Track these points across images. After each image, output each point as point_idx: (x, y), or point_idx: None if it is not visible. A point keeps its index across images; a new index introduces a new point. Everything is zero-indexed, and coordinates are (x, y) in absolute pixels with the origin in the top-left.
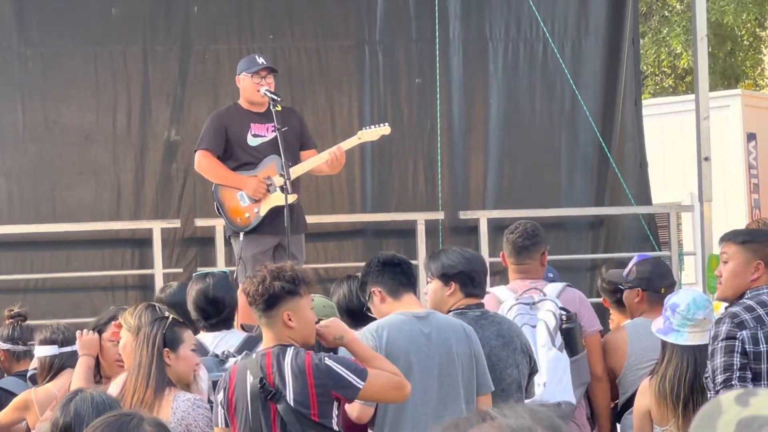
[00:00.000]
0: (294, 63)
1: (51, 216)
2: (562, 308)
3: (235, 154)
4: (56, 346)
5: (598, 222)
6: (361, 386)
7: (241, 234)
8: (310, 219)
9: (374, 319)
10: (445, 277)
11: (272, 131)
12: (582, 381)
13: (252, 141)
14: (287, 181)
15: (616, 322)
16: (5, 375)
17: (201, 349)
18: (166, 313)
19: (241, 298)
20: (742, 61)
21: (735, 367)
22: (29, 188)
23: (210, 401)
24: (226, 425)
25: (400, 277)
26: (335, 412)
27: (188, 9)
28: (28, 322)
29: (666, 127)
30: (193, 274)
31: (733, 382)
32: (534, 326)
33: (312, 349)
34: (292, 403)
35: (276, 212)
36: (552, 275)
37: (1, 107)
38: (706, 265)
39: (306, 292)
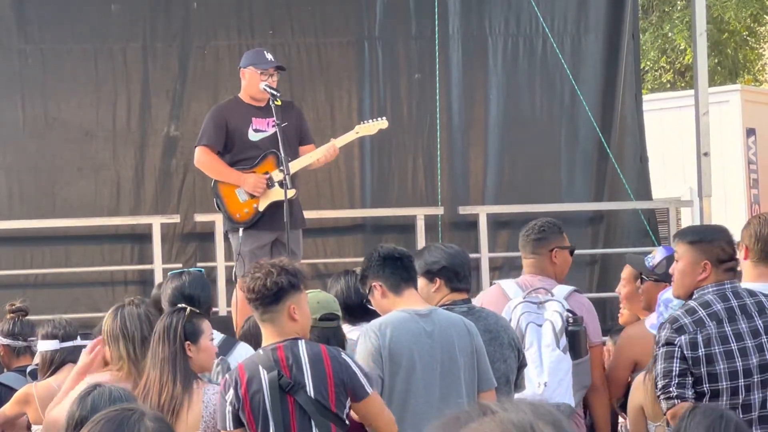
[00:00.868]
0: (294, 59)
1: (51, 212)
2: (569, 310)
3: (234, 149)
4: (57, 340)
5: (597, 217)
6: (369, 392)
7: (240, 230)
8: (310, 214)
9: (374, 312)
10: (430, 274)
11: (273, 126)
12: (583, 385)
13: (253, 136)
14: (287, 177)
15: (626, 316)
16: (5, 370)
17: None
18: (183, 305)
19: (239, 295)
20: (744, 57)
21: (673, 373)
22: (29, 184)
23: None
24: (235, 426)
25: (401, 272)
26: (348, 405)
27: (188, 5)
28: (28, 317)
29: (666, 122)
30: (169, 273)
31: (671, 389)
32: (540, 325)
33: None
34: (312, 394)
35: (274, 208)
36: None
37: (1, 103)
38: None
39: (306, 286)
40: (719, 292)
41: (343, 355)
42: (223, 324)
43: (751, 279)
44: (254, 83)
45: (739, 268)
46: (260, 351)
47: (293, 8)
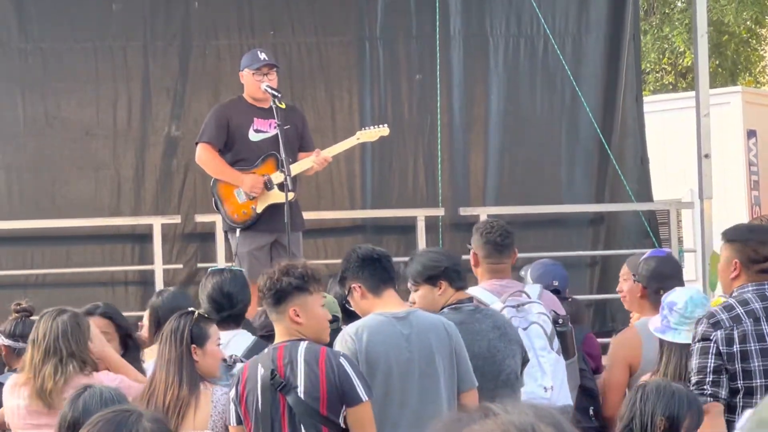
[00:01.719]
0: (294, 58)
1: (51, 211)
2: (554, 311)
3: (234, 148)
4: None
5: (598, 218)
6: (364, 399)
7: (238, 230)
8: (310, 215)
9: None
10: (432, 279)
11: (274, 127)
12: (575, 384)
13: (253, 136)
14: (287, 178)
15: (636, 317)
16: (6, 370)
17: None
18: (191, 309)
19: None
20: (745, 58)
21: (708, 369)
22: (29, 183)
23: None
24: (239, 422)
25: (380, 273)
26: (343, 409)
27: (189, 4)
28: (32, 317)
29: (666, 123)
30: (210, 269)
31: (705, 386)
32: (525, 329)
33: (327, 346)
34: (302, 396)
35: (273, 209)
36: (557, 282)
37: (1, 102)
38: (708, 261)
39: (317, 289)
40: (758, 291)
41: (341, 359)
42: (248, 326)
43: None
44: (251, 85)
45: None
46: (266, 350)
47: (294, 7)
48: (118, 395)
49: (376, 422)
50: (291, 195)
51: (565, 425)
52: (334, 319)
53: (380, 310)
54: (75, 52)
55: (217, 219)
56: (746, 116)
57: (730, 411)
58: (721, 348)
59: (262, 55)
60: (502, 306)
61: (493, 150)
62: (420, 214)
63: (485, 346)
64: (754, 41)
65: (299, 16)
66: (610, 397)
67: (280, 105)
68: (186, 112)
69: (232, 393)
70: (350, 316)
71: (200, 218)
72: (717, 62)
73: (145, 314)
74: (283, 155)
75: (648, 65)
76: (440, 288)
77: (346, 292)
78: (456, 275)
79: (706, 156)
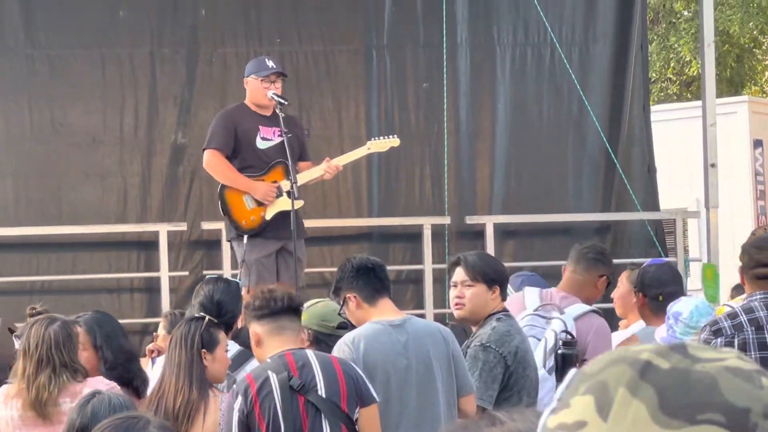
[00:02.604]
0: (301, 67)
1: (57, 218)
2: (567, 332)
3: (242, 155)
4: None
5: (604, 227)
6: (377, 400)
7: (245, 237)
8: (317, 223)
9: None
10: (492, 281)
11: (278, 135)
12: None
13: (260, 144)
14: (293, 185)
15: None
16: None
17: None
18: (202, 313)
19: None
20: (749, 68)
21: None
22: (35, 190)
23: None
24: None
25: (375, 282)
26: (357, 409)
27: (196, 12)
28: None
29: (673, 133)
30: (207, 276)
31: None
32: (540, 340)
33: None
34: (324, 394)
35: (280, 217)
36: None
37: (8, 108)
38: (702, 274)
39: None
40: (766, 300)
41: (350, 362)
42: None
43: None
44: (257, 92)
45: None
46: (268, 360)
47: (301, 16)
48: (126, 402)
49: None
50: (300, 203)
51: None
52: (343, 326)
53: (376, 318)
54: (82, 59)
55: (224, 226)
56: (753, 126)
57: None
58: None
59: (270, 63)
60: (529, 313)
61: (499, 158)
62: (426, 223)
63: (521, 356)
64: (759, 51)
65: (306, 25)
66: None
67: (282, 114)
68: (193, 119)
69: (239, 403)
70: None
71: (206, 226)
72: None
73: (161, 323)
74: (290, 162)
75: (653, 74)
76: (494, 292)
77: (341, 303)
78: (506, 286)
79: (713, 165)
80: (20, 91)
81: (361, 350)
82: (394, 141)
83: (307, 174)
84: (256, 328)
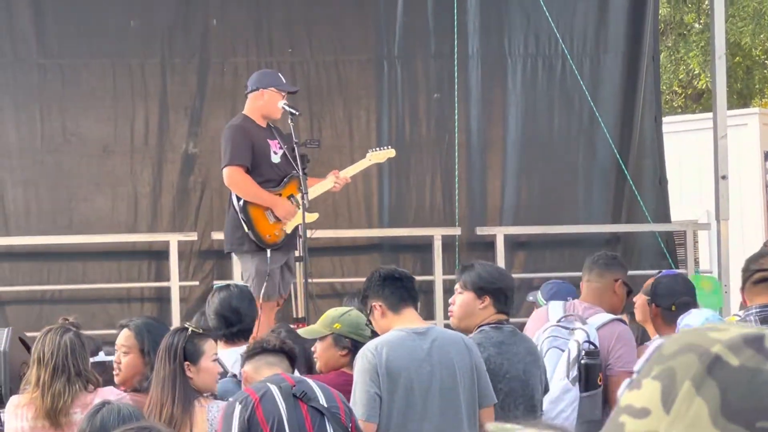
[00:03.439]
0: (312, 77)
1: (68, 227)
2: (590, 342)
3: (259, 169)
4: None
5: (615, 239)
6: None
7: (269, 251)
8: (327, 233)
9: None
10: (482, 291)
11: (279, 148)
12: (589, 418)
13: (274, 158)
14: (305, 196)
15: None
16: None
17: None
18: (186, 324)
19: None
20: (759, 80)
21: None
22: (46, 199)
23: None
24: None
25: (401, 291)
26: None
27: (207, 22)
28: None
29: (683, 144)
30: (214, 285)
31: None
32: (563, 350)
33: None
34: (324, 404)
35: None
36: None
37: (19, 118)
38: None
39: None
40: (761, 314)
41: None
42: None
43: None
44: (273, 104)
45: None
46: (264, 378)
47: (312, 26)
48: (136, 412)
49: None
50: (315, 216)
51: None
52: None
53: (400, 327)
54: (93, 69)
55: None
56: (764, 138)
57: None
58: None
59: (284, 79)
60: (552, 324)
61: (510, 169)
62: (437, 233)
63: (521, 369)
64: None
65: (318, 35)
66: None
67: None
68: (203, 129)
69: (238, 411)
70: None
71: (216, 235)
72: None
73: None
74: (301, 174)
75: (663, 86)
76: (484, 302)
77: (368, 311)
78: (503, 298)
79: (723, 177)
80: (32, 100)
81: (384, 356)
82: (390, 152)
83: (318, 188)
84: (246, 368)
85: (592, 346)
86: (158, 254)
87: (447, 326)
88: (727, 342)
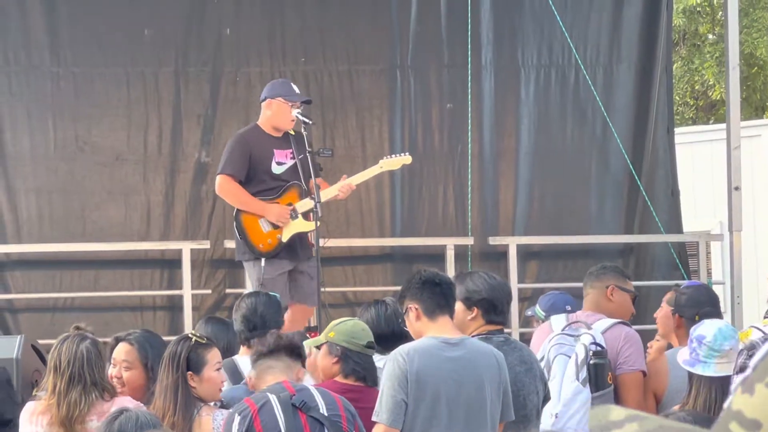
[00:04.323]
0: (325, 86)
1: (80, 235)
2: (596, 343)
3: (257, 179)
4: None
5: (627, 249)
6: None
7: (263, 260)
8: (339, 242)
9: (403, 340)
10: (468, 302)
11: (291, 158)
12: None
13: (276, 169)
14: (317, 204)
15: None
16: None
17: (236, 375)
18: (189, 333)
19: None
20: None
21: None
22: (59, 207)
23: None
24: None
25: (438, 297)
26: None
27: (220, 31)
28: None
29: (696, 155)
30: (245, 292)
31: None
32: (570, 357)
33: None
34: (325, 412)
35: (296, 238)
36: (570, 307)
37: (32, 126)
38: None
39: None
40: None
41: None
42: None
43: None
44: (283, 114)
45: None
46: (265, 388)
47: (325, 35)
48: (153, 419)
49: None
50: (311, 225)
51: None
52: (371, 346)
53: (433, 334)
54: (106, 77)
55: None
56: None
57: None
58: None
59: (296, 88)
60: (557, 333)
61: (523, 179)
62: (449, 243)
63: (511, 380)
64: None
65: (331, 44)
66: None
67: (303, 131)
68: (216, 138)
69: (236, 423)
70: (380, 344)
71: (229, 244)
72: (744, 95)
73: None
74: (305, 183)
75: (675, 97)
76: (472, 313)
77: (404, 312)
78: (491, 308)
79: (737, 188)
80: (45, 108)
81: (415, 363)
82: (406, 159)
83: (324, 194)
84: (250, 375)
85: (599, 347)
86: (171, 262)
87: None
88: None
